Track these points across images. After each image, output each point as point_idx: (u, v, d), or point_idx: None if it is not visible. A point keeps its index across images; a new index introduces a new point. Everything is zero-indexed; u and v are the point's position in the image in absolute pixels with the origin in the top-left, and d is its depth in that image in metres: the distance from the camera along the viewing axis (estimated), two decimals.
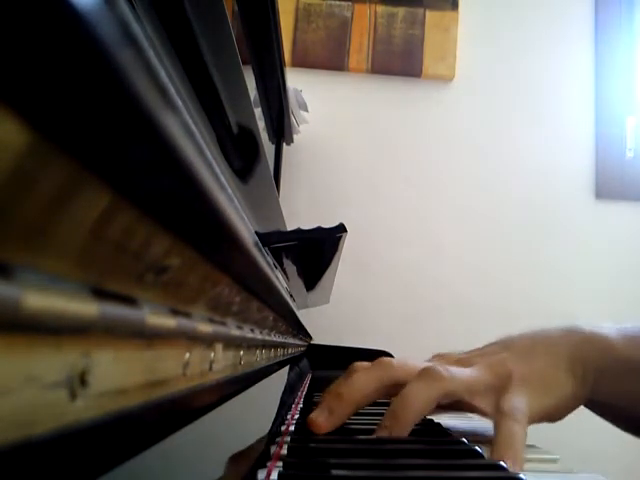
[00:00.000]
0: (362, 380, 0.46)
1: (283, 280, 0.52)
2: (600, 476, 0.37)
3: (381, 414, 0.53)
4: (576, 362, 0.49)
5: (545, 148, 1.63)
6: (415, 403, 0.43)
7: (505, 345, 0.52)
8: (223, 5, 0.33)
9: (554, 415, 0.49)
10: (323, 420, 0.44)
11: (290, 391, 0.63)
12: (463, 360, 0.50)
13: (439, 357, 0.54)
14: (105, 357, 0.13)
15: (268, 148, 1.32)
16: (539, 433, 0.50)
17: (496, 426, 0.43)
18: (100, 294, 0.13)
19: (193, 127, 0.14)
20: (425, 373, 0.45)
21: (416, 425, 0.45)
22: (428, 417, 0.54)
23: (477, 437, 0.48)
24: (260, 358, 0.42)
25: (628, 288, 1.58)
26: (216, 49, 0.33)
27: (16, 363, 0.10)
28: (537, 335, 0.53)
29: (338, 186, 1.59)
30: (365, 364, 0.50)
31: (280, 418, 0.48)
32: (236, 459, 0.27)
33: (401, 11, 1.62)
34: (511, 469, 0.37)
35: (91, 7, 0.08)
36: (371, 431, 0.46)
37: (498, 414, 0.44)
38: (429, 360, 0.53)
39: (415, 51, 1.61)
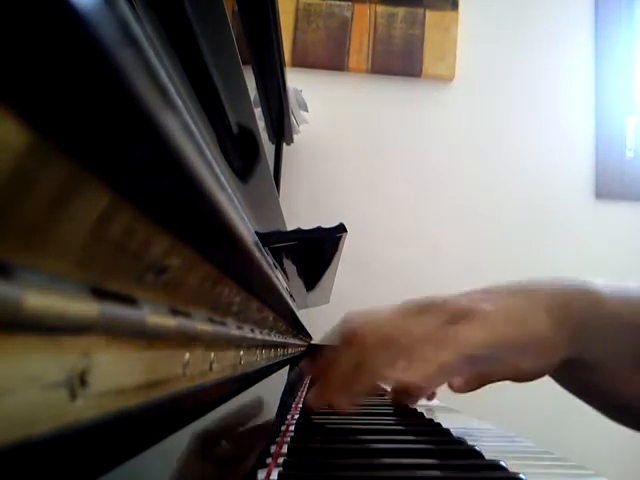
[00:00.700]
0: (380, 366, 0.47)
1: (283, 280, 0.52)
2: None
3: (380, 414, 0.53)
4: (558, 308, 0.47)
5: (545, 148, 1.63)
6: (378, 374, 0.47)
7: (488, 289, 0.51)
8: (223, 5, 0.33)
9: (518, 353, 0.47)
10: (347, 403, 0.46)
11: (290, 391, 0.63)
12: (434, 305, 0.51)
13: (408, 304, 0.53)
14: (105, 357, 0.13)
15: (268, 148, 1.32)
16: (539, 433, 0.50)
17: None
18: (100, 294, 0.13)
19: (193, 127, 0.14)
20: (388, 344, 0.47)
21: (417, 425, 0.45)
22: (428, 417, 0.54)
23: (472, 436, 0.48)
24: (260, 358, 0.42)
25: None
26: (216, 49, 0.33)
27: (16, 363, 0.10)
28: (526, 280, 0.51)
29: (338, 186, 1.59)
30: (366, 335, 0.48)
31: (280, 418, 0.48)
32: (236, 459, 0.27)
33: (401, 11, 1.62)
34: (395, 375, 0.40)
35: (91, 7, 0.08)
36: (371, 431, 0.46)
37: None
38: (401, 305, 0.53)
39: (415, 51, 1.61)
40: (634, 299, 0.48)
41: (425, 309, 0.50)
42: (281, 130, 1.34)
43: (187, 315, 0.20)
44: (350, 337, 0.49)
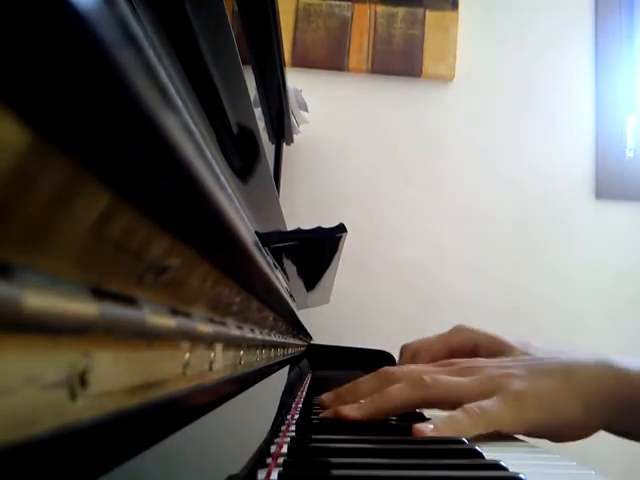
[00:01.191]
0: (397, 393, 0.50)
1: (283, 280, 0.52)
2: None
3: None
4: (590, 393, 0.49)
5: (545, 148, 1.63)
6: (394, 400, 0.49)
7: (526, 363, 0.53)
8: (223, 5, 0.33)
9: (549, 434, 0.50)
10: (352, 412, 0.49)
11: (290, 391, 0.63)
12: (475, 368, 0.52)
13: (453, 363, 0.56)
14: (105, 357, 0.13)
15: (268, 148, 1.32)
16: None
17: None
18: (100, 294, 0.13)
19: (193, 127, 0.14)
20: (414, 379, 0.50)
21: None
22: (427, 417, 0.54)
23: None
24: (260, 358, 0.42)
25: (628, 288, 1.58)
26: (216, 49, 0.33)
27: (16, 363, 0.10)
28: (561, 359, 0.53)
29: (338, 186, 1.59)
30: (397, 371, 0.54)
31: (280, 418, 0.48)
32: (236, 459, 0.27)
33: (401, 11, 1.62)
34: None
35: (91, 7, 0.08)
36: (370, 431, 0.46)
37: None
38: (446, 362, 0.57)
39: (415, 51, 1.61)
40: None
41: (462, 370, 0.53)
42: (281, 130, 1.34)
43: (187, 315, 0.20)
44: (382, 371, 0.54)
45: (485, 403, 0.47)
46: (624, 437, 0.53)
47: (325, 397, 0.55)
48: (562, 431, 0.49)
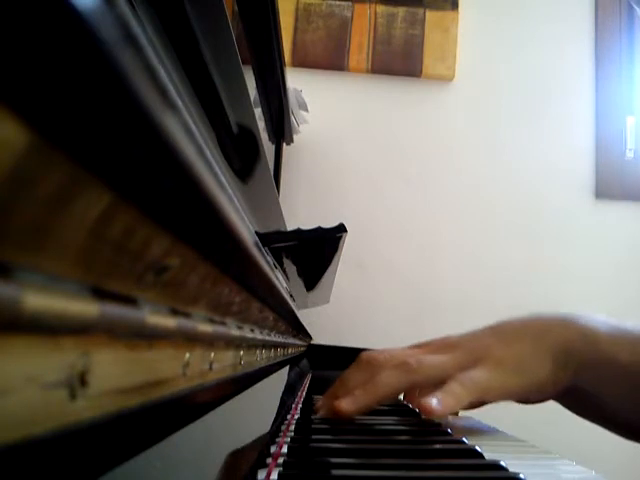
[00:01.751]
0: (388, 380, 0.51)
1: (283, 280, 0.52)
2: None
3: (379, 413, 0.53)
4: (560, 351, 0.52)
5: (545, 148, 1.63)
6: (385, 387, 0.51)
7: (496, 330, 0.56)
8: (223, 5, 0.33)
9: (526, 395, 0.53)
10: (348, 405, 0.50)
11: (290, 391, 0.63)
12: (450, 345, 0.55)
13: (428, 344, 0.58)
14: (105, 357, 0.13)
15: (268, 148, 1.32)
16: (539, 433, 0.51)
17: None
18: (100, 294, 0.13)
19: (193, 127, 0.14)
20: (399, 364, 0.52)
21: (417, 425, 0.46)
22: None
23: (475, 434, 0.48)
24: (260, 358, 0.42)
25: (628, 288, 1.58)
26: (216, 49, 0.33)
27: (16, 363, 0.10)
28: (530, 321, 0.56)
29: (338, 186, 1.59)
30: (380, 358, 0.55)
31: (280, 418, 0.48)
32: (236, 459, 0.27)
33: (401, 11, 1.62)
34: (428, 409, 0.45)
35: (91, 7, 0.08)
36: (370, 431, 0.46)
37: (450, 379, 0.49)
38: (420, 344, 0.59)
39: (415, 51, 1.61)
40: (631, 341, 0.52)
41: (439, 348, 0.55)
42: (281, 130, 1.34)
43: (187, 315, 0.20)
44: (364, 361, 0.55)
45: (473, 373, 0.50)
46: (581, 407, 0.55)
47: (319, 405, 0.56)
48: (535, 391, 0.52)
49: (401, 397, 0.66)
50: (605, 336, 0.52)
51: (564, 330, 0.53)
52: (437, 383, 0.50)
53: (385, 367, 0.52)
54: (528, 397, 0.53)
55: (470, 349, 0.53)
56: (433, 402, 0.47)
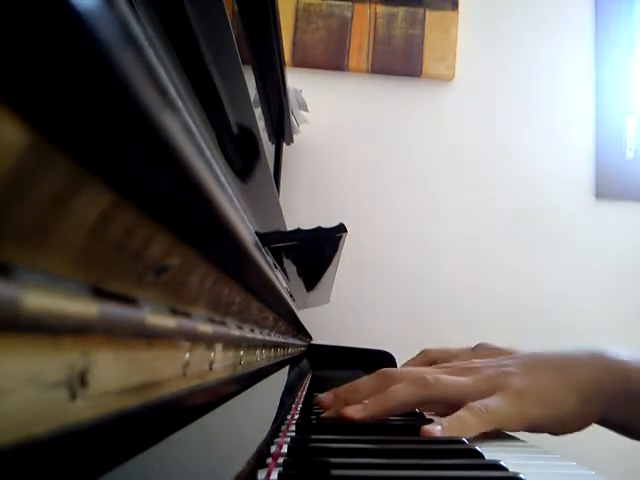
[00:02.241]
0: (401, 392, 0.50)
1: (283, 280, 0.52)
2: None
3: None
4: (587, 385, 0.50)
5: (545, 148, 1.63)
6: (396, 399, 0.49)
7: (521, 360, 0.54)
8: (223, 5, 0.33)
9: (548, 428, 0.51)
10: (355, 413, 0.49)
11: (290, 391, 0.63)
12: (472, 369, 0.53)
13: (450, 365, 0.57)
14: (105, 357, 0.13)
15: (268, 148, 1.32)
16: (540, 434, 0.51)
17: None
18: (100, 294, 0.13)
19: (193, 127, 0.14)
20: (416, 379, 0.51)
21: (417, 425, 0.46)
22: (428, 417, 0.54)
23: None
24: (260, 358, 0.42)
25: (628, 288, 1.58)
26: (216, 49, 0.33)
27: (16, 363, 0.10)
28: (556, 354, 0.54)
29: (338, 186, 1.59)
30: (397, 371, 0.55)
31: (280, 418, 0.48)
32: (236, 459, 0.27)
33: (401, 11, 1.62)
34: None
35: (91, 7, 0.08)
36: (370, 431, 0.46)
37: (465, 403, 0.48)
38: (442, 365, 0.58)
39: (415, 51, 1.61)
40: None
41: (461, 370, 0.54)
42: (281, 130, 1.34)
43: (187, 315, 0.20)
44: (381, 372, 0.54)
45: (488, 401, 0.48)
46: (618, 431, 0.54)
47: (324, 397, 0.55)
48: (560, 424, 0.51)
49: None
50: (635, 369, 0.51)
51: (592, 364, 0.52)
52: (452, 405, 0.49)
53: (401, 380, 0.51)
54: (551, 430, 0.51)
55: (491, 376, 0.51)
56: (435, 429, 0.45)
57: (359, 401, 0.50)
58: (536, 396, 0.49)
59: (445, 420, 0.47)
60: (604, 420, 0.51)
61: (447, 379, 0.51)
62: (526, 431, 0.50)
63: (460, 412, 0.47)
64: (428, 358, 0.69)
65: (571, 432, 0.52)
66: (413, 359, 0.72)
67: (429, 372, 0.53)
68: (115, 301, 0.13)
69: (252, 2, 0.77)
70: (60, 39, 0.08)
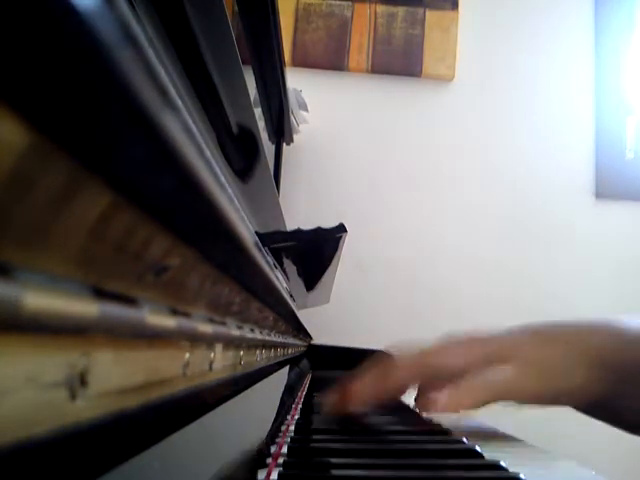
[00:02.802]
0: (401, 365, 0.48)
1: (283, 280, 0.52)
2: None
3: (379, 413, 0.53)
4: (597, 357, 0.48)
5: (545, 148, 1.63)
6: (395, 374, 0.48)
7: (530, 330, 0.52)
8: (223, 5, 0.33)
9: (552, 401, 0.49)
10: (352, 394, 0.47)
11: (290, 391, 0.63)
12: (478, 338, 0.50)
13: (455, 336, 0.53)
14: (105, 357, 0.13)
15: (268, 148, 1.32)
16: (539, 432, 0.51)
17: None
18: (100, 294, 0.13)
19: (193, 127, 0.14)
20: (418, 353, 0.48)
21: (418, 426, 0.45)
22: (428, 417, 0.54)
23: (478, 434, 0.48)
24: (260, 358, 0.42)
25: (628, 288, 1.58)
26: (216, 49, 0.33)
27: (16, 363, 0.10)
28: (566, 325, 0.52)
29: (338, 186, 1.59)
30: (395, 357, 0.51)
31: (280, 418, 0.48)
32: (236, 459, 0.27)
33: (401, 11, 1.62)
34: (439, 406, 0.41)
35: (91, 7, 0.08)
36: (370, 432, 0.46)
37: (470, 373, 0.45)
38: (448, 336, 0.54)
39: (415, 51, 1.61)
40: None
41: (466, 342, 0.50)
42: (281, 130, 1.34)
43: (187, 315, 0.20)
44: (384, 357, 0.51)
45: (497, 371, 0.45)
46: (620, 421, 0.52)
47: (330, 397, 0.52)
48: (564, 397, 0.49)
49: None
50: (636, 334, 0.49)
51: (603, 335, 0.50)
52: (457, 375, 0.46)
53: (405, 362, 0.49)
54: (554, 402, 0.49)
55: (499, 345, 0.49)
56: (441, 398, 0.43)
57: (364, 396, 0.48)
58: (545, 368, 0.47)
59: (451, 388, 0.44)
60: (610, 397, 0.49)
61: (452, 348, 0.48)
62: (534, 403, 0.48)
63: (466, 379, 0.45)
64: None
65: (576, 405, 0.50)
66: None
67: (433, 345, 0.50)
68: (115, 301, 0.13)
69: (252, 2, 0.77)
70: (60, 39, 0.08)
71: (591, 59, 1.66)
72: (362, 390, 0.47)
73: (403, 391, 0.50)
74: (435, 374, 0.48)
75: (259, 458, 0.33)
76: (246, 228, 0.22)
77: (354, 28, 1.61)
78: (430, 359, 0.48)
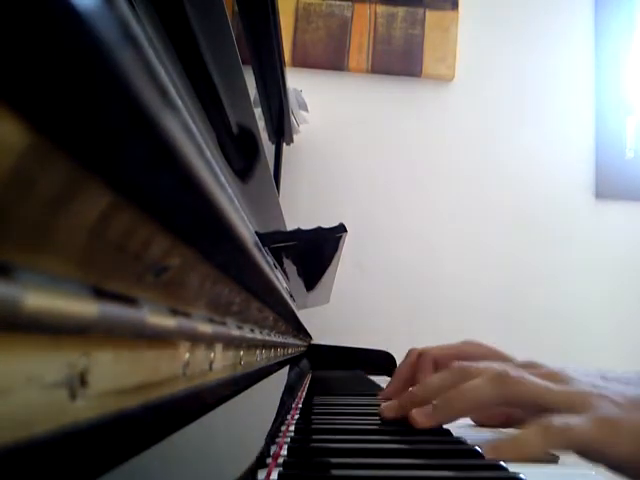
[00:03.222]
0: (477, 389, 0.44)
1: (283, 280, 0.52)
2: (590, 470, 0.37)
3: (378, 414, 0.53)
4: None
5: (545, 148, 1.63)
6: (470, 397, 0.44)
7: (623, 389, 0.45)
8: (223, 5, 0.33)
9: (627, 468, 0.42)
10: (422, 418, 0.45)
11: (290, 391, 0.63)
12: (562, 377, 0.46)
13: (535, 365, 0.48)
14: (105, 357, 0.13)
15: (268, 148, 1.32)
16: None
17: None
18: (100, 294, 0.13)
19: (193, 127, 0.14)
20: (497, 375, 0.44)
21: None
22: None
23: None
24: (260, 358, 0.42)
25: (628, 288, 1.58)
26: (216, 49, 0.33)
27: (16, 363, 0.10)
28: None
29: (338, 186, 1.59)
30: (473, 368, 0.47)
31: (280, 418, 0.48)
32: (236, 459, 0.27)
33: (401, 11, 1.62)
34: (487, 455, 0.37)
35: (91, 7, 0.08)
36: (370, 432, 0.46)
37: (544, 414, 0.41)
38: (527, 362, 0.49)
39: (415, 51, 1.61)
40: None
41: (548, 374, 0.46)
42: (281, 130, 1.34)
43: (187, 315, 0.20)
44: (456, 366, 0.47)
45: (575, 420, 0.41)
46: None
47: (388, 405, 0.50)
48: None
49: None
50: None
51: None
52: (532, 409, 0.43)
53: (477, 375, 0.45)
54: (626, 470, 0.42)
55: (586, 392, 0.43)
56: (503, 447, 0.39)
57: (428, 400, 0.45)
58: (633, 432, 0.41)
59: (513, 435, 0.41)
60: None
61: (531, 379, 0.44)
62: (609, 467, 0.42)
63: (530, 426, 0.41)
64: (418, 353, 0.62)
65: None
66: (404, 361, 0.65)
67: (512, 369, 0.46)
68: (115, 301, 0.13)
69: (252, 2, 0.77)
70: (60, 39, 0.08)
71: (591, 59, 1.66)
72: (427, 416, 0.45)
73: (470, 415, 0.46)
74: (510, 404, 0.45)
75: (259, 458, 0.33)
76: (246, 228, 0.22)
77: (354, 28, 1.61)
78: (510, 391, 0.44)
